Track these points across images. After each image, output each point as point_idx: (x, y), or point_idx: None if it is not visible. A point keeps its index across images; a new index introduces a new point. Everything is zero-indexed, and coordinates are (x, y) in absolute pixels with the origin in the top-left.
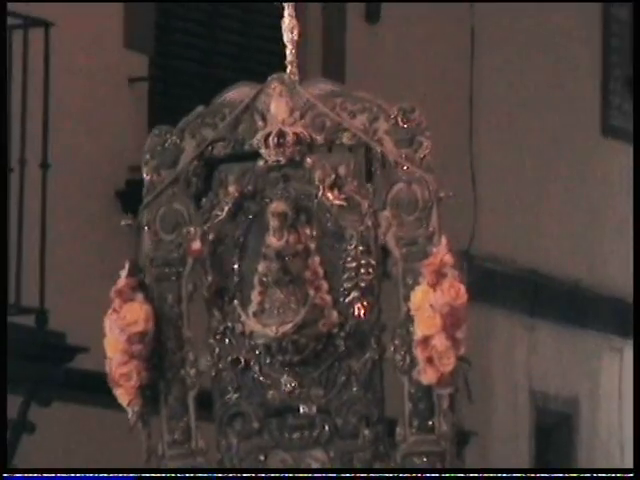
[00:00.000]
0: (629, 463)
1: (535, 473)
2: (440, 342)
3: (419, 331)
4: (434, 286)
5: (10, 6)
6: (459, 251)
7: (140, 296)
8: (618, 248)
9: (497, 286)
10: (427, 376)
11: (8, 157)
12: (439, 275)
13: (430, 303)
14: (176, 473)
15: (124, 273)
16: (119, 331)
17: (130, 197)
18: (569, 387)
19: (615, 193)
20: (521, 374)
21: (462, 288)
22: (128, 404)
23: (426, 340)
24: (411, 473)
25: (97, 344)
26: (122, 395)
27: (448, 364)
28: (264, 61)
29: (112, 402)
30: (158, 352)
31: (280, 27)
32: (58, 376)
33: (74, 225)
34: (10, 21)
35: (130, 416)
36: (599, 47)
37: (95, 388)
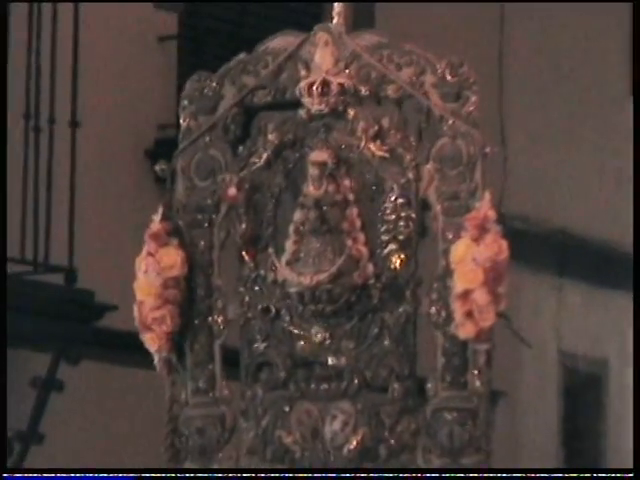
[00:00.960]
0: None
1: (535, 473)
2: (481, 296)
3: (460, 284)
4: (477, 240)
5: None
6: None
7: (175, 241)
8: None
9: (526, 246)
10: (465, 330)
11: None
12: (482, 230)
13: (473, 257)
14: (176, 473)
15: (158, 217)
16: (155, 274)
17: (159, 156)
18: (598, 348)
19: None
20: (550, 334)
21: (504, 244)
22: (157, 349)
23: (467, 294)
24: (411, 473)
25: (126, 302)
26: (152, 339)
27: (488, 319)
28: (296, 21)
29: (141, 360)
30: (188, 299)
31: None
32: (87, 334)
33: (103, 184)
34: None
35: (156, 361)
36: (628, 7)
37: (124, 346)
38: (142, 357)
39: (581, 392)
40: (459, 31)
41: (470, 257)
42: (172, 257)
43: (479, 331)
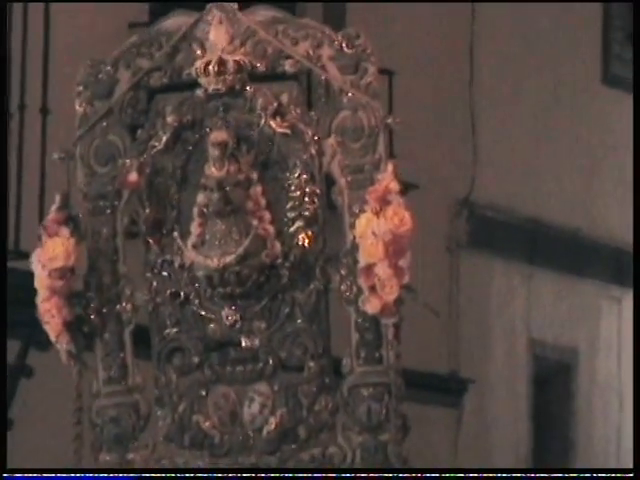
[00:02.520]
0: (628, 412)
1: (535, 473)
2: (383, 270)
3: (362, 259)
4: (378, 213)
5: None
6: (459, 199)
7: (66, 231)
8: (617, 197)
9: (496, 234)
10: (371, 305)
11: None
12: (383, 202)
13: (373, 230)
14: (176, 473)
15: (54, 207)
16: (41, 266)
17: None
18: (568, 336)
19: (615, 142)
20: (519, 322)
21: (407, 215)
22: (56, 340)
23: (369, 268)
24: (411, 473)
25: None
26: (50, 331)
27: (391, 293)
28: None
29: None
30: (94, 288)
31: None
32: None
33: None
34: None
35: (61, 354)
36: None
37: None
38: None
39: (550, 380)
40: (430, 20)
41: (370, 231)
42: (57, 248)
43: (384, 305)
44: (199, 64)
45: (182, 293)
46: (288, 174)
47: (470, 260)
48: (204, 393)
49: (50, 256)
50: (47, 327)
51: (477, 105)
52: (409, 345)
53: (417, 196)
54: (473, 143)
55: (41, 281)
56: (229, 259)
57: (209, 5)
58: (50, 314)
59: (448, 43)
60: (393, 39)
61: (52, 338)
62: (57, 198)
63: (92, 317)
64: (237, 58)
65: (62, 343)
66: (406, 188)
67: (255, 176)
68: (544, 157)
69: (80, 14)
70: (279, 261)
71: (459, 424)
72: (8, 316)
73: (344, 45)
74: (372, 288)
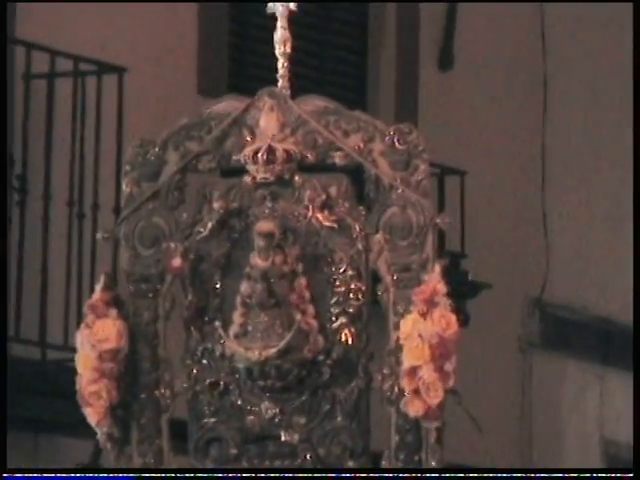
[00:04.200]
0: None
1: (535, 473)
2: (428, 373)
3: (406, 361)
4: (424, 315)
5: (85, 52)
6: (531, 299)
7: (114, 312)
8: None
9: (569, 334)
10: (414, 408)
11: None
12: (430, 304)
13: (419, 332)
14: (176, 473)
15: (99, 287)
16: (90, 347)
17: None
18: None
19: None
20: (592, 422)
21: (453, 318)
22: (97, 424)
23: (413, 371)
24: (411, 473)
25: None
26: (91, 414)
27: (435, 396)
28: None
29: None
30: (132, 372)
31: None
32: None
33: None
34: (84, 67)
35: (99, 436)
36: None
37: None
38: None
39: None
40: (502, 120)
41: (416, 333)
42: (108, 329)
43: (427, 409)
44: (248, 151)
45: (222, 383)
46: (334, 268)
47: (543, 360)
48: None
49: (101, 337)
50: (88, 410)
51: (549, 204)
52: (482, 445)
53: (490, 296)
54: (545, 242)
55: (88, 363)
56: (271, 352)
57: (261, 91)
58: (97, 396)
59: (519, 143)
60: (464, 139)
61: (92, 422)
62: (101, 278)
63: (130, 402)
64: (287, 147)
65: (103, 427)
66: (479, 287)
67: (300, 269)
68: (617, 256)
69: (153, 115)
70: (321, 357)
71: None
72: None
73: (396, 140)
74: (416, 391)
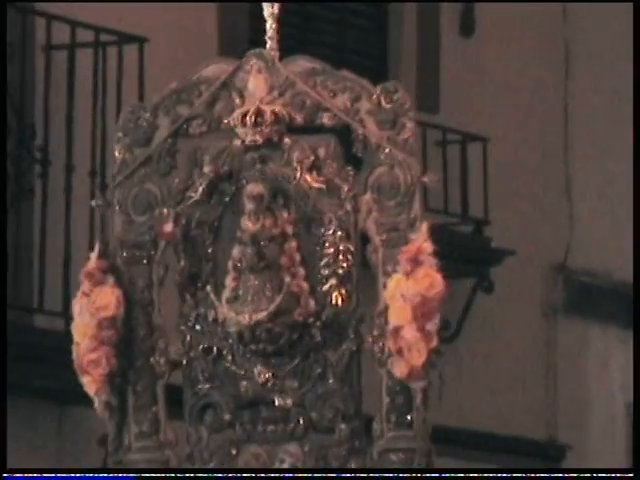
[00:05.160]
0: None
1: (535, 473)
2: (410, 334)
3: (390, 321)
4: (408, 274)
5: (105, 23)
6: (555, 265)
7: (111, 279)
8: None
9: (592, 299)
10: (398, 369)
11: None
12: (415, 263)
13: (402, 292)
14: (176, 473)
15: (94, 255)
16: (89, 315)
17: None
18: None
19: None
20: (617, 387)
21: (438, 278)
22: (95, 392)
23: (397, 331)
24: (411, 473)
25: None
26: (89, 383)
27: (419, 357)
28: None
29: None
30: (127, 339)
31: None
32: None
33: None
34: (104, 38)
35: (97, 405)
36: None
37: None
38: None
39: None
40: (525, 85)
41: (399, 292)
42: (107, 297)
43: (411, 369)
44: (237, 114)
45: (215, 348)
46: (323, 230)
47: (567, 326)
48: (235, 452)
49: (99, 305)
50: (87, 379)
51: (572, 170)
52: (506, 412)
53: (513, 262)
54: (569, 208)
55: (87, 331)
56: (261, 316)
57: (248, 53)
58: (95, 364)
59: (543, 111)
60: (487, 106)
61: (90, 390)
62: (96, 246)
63: (126, 369)
64: (275, 109)
65: (102, 395)
66: (503, 254)
67: (290, 231)
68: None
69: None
70: (312, 319)
71: None
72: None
73: (382, 99)
74: (399, 351)
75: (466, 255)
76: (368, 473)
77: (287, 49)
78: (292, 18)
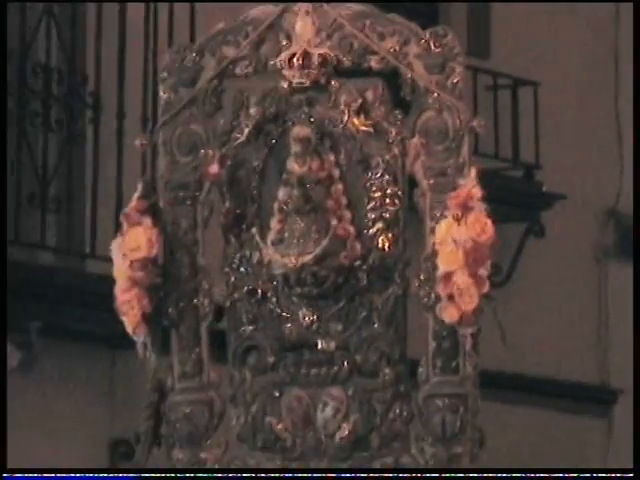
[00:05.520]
0: None
1: (535, 473)
2: (462, 279)
3: (441, 266)
4: (459, 220)
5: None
6: (606, 209)
7: (148, 220)
8: None
9: None
10: (448, 314)
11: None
12: (465, 208)
13: (453, 237)
14: (176, 473)
15: (136, 195)
16: (122, 256)
17: None
18: None
19: None
20: None
21: (489, 223)
22: (133, 333)
23: (448, 276)
24: (411, 473)
25: None
26: (127, 323)
27: (470, 302)
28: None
29: None
30: (171, 280)
31: None
32: None
33: None
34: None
35: (138, 345)
36: None
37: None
38: None
39: None
40: (575, 31)
41: (450, 237)
42: (139, 237)
43: (462, 314)
44: (284, 56)
45: (260, 291)
46: (370, 174)
47: (618, 269)
48: (278, 394)
49: (132, 246)
50: (125, 318)
51: (623, 114)
52: (559, 356)
53: (564, 206)
54: (619, 153)
55: (121, 271)
56: (307, 259)
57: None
58: (129, 305)
59: (593, 53)
60: (538, 51)
61: (129, 330)
62: (139, 186)
63: (169, 310)
64: (322, 52)
65: (139, 335)
66: (553, 198)
67: (337, 174)
68: None
69: None
70: (358, 263)
71: (610, 435)
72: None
73: (431, 43)
74: (450, 296)
75: (517, 200)
76: (368, 473)
77: None
78: None
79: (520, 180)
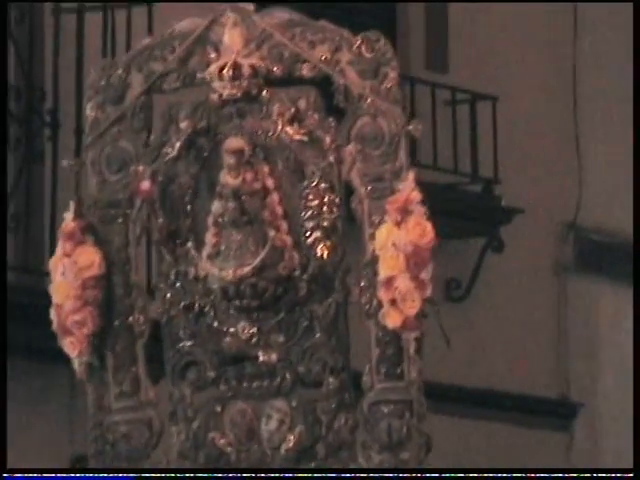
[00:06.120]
0: None
1: (535, 473)
2: (404, 283)
3: (382, 271)
4: (399, 224)
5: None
6: (565, 223)
7: (91, 239)
8: None
9: (603, 257)
10: (391, 319)
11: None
12: (405, 212)
13: (393, 242)
14: (176, 473)
15: (70, 215)
16: (73, 276)
17: None
18: None
19: None
20: (628, 345)
21: (428, 226)
22: (79, 354)
23: (389, 281)
24: (411, 473)
25: None
26: (72, 344)
27: (412, 307)
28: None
29: None
30: (106, 299)
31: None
32: None
33: None
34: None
35: (77, 366)
36: None
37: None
38: None
39: None
40: (533, 44)
41: (391, 242)
42: (89, 256)
43: (405, 319)
44: (213, 68)
45: (197, 305)
46: (306, 182)
47: (577, 283)
48: (220, 409)
49: (83, 265)
50: (68, 340)
51: (581, 128)
52: (519, 370)
53: (523, 220)
54: (578, 166)
55: (69, 291)
56: (245, 271)
57: (223, 6)
58: (79, 325)
59: (551, 66)
60: (496, 65)
61: (72, 352)
62: (71, 206)
63: (106, 330)
64: (252, 62)
65: (84, 356)
66: (512, 212)
67: (272, 184)
68: None
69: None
70: (297, 273)
71: (570, 449)
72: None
73: (363, 49)
74: (392, 301)
75: (476, 214)
76: (368, 473)
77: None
78: None
79: (479, 195)
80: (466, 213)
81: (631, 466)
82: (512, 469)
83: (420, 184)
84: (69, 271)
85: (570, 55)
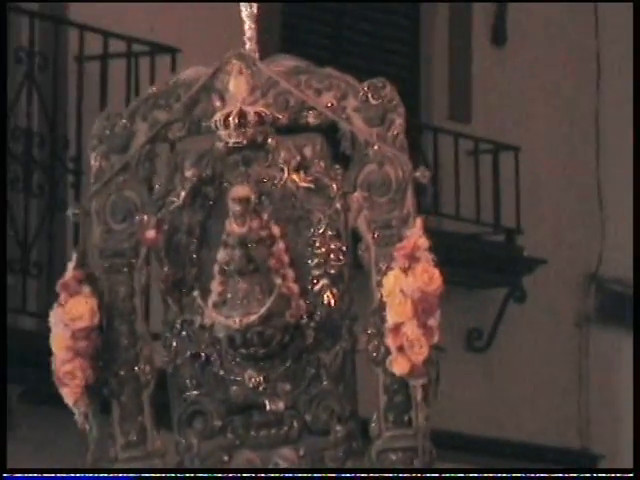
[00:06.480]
0: None
1: (535, 473)
2: (411, 330)
3: (390, 318)
4: (406, 271)
5: (137, 32)
6: (587, 274)
7: (87, 289)
8: None
9: (625, 308)
10: (399, 366)
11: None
12: (412, 259)
13: (401, 288)
14: (176, 473)
15: (72, 265)
16: (63, 326)
17: None
18: None
19: None
20: None
21: (436, 273)
22: (74, 404)
23: (397, 328)
24: (411, 473)
25: None
26: (68, 395)
27: (420, 353)
28: (394, 22)
29: None
30: (110, 349)
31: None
32: None
33: None
34: (136, 48)
35: (77, 417)
36: None
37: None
38: None
39: None
40: (557, 98)
41: (398, 289)
42: (81, 307)
43: (412, 366)
44: (219, 116)
45: (203, 354)
46: (312, 230)
47: (599, 334)
48: (227, 458)
49: (73, 316)
50: (65, 390)
51: (604, 180)
52: (539, 421)
53: (545, 271)
54: (600, 217)
55: (61, 342)
56: (252, 319)
57: (228, 54)
58: (70, 376)
59: (574, 116)
60: (518, 115)
61: (69, 402)
62: (74, 256)
63: (109, 380)
64: (258, 110)
65: (80, 406)
66: (534, 263)
67: (278, 232)
68: None
69: None
70: (304, 321)
71: None
72: None
73: (369, 96)
74: (400, 348)
75: (498, 264)
76: (368, 473)
77: (319, 59)
78: (325, 27)
79: (501, 245)
80: (488, 263)
81: None
82: (512, 469)
83: (441, 234)
84: (60, 321)
85: (593, 105)
